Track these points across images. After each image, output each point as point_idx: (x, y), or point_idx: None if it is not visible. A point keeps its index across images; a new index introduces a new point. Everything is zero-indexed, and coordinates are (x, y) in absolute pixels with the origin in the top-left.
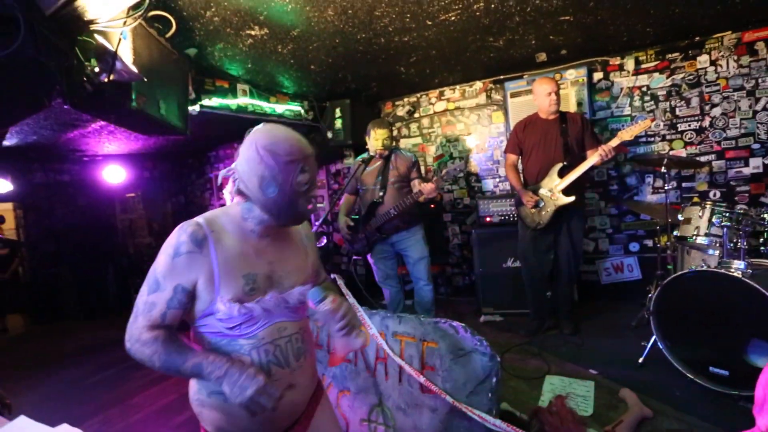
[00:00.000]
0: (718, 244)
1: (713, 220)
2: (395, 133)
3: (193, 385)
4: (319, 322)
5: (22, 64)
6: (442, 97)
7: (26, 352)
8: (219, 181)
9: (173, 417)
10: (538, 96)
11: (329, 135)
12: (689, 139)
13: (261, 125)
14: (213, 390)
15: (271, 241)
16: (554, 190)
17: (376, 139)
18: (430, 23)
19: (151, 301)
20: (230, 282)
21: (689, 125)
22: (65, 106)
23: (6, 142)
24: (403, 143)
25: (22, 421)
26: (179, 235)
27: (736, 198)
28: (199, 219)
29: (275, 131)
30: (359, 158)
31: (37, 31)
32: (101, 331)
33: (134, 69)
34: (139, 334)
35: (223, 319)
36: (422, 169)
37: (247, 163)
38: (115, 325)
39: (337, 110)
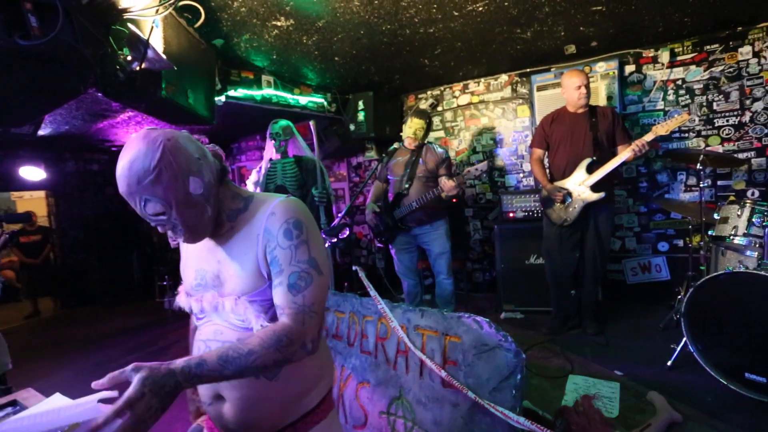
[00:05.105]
0: (757, 245)
1: (753, 219)
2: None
3: None
4: None
5: (60, 51)
6: (466, 90)
7: (57, 334)
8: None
9: None
10: (567, 89)
11: (351, 127)
12: (727, 135)
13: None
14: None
15: (224, 240)
16: (583, 185)
17: (409, 126)
18: (456, 14)
19: None
20: (187, 274)
21: (727, 120)
22: (98, 94)
23: (41, 132)
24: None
25: (57, 398)
26: None
27: None
28: None
29: (119, 160)
30: (391, 148)
31: (74, 18)
32: (126, 316)
33: (165, 58)
34: None
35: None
36: None
37: None
38: (140, 312)
39: (360, 102)
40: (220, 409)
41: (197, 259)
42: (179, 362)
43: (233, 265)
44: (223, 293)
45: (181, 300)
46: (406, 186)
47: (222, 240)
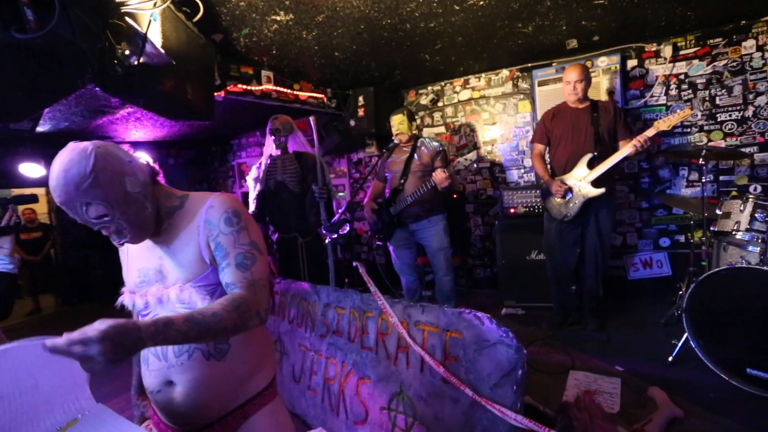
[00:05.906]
0: (759, 240)
1: (756, 215)
2: (418, 122)
3: None
4: None
5: (58, 45)
6: (467, 86)
7: (58, 331)
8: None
9: None
10: (562, 84)
11: (352, 123)
12: (729, 129)
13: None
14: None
15: (164, 236)
16: (584, 181)
17: (392, 125)
18: (457, 8)
19: None
20: (129, 274)
21: (730, 115)
22: (96, 90)
23: (39, 128)
24: (426, 132)
25: None
26: None
27: None
28: None
29: (51, 172)
30: (390, 144)
31: (71, 12)
32: (127, 314)
33: (163, 52)
34: None
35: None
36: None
37: None
38: None
39: (360, 98)
40: (170, 394)
41: (138, 259)
42: (146, 320)
43: (175, 257)
44: (167, 285)
45: (125, 299)
46: (402, 182)
47: (161, 237)
